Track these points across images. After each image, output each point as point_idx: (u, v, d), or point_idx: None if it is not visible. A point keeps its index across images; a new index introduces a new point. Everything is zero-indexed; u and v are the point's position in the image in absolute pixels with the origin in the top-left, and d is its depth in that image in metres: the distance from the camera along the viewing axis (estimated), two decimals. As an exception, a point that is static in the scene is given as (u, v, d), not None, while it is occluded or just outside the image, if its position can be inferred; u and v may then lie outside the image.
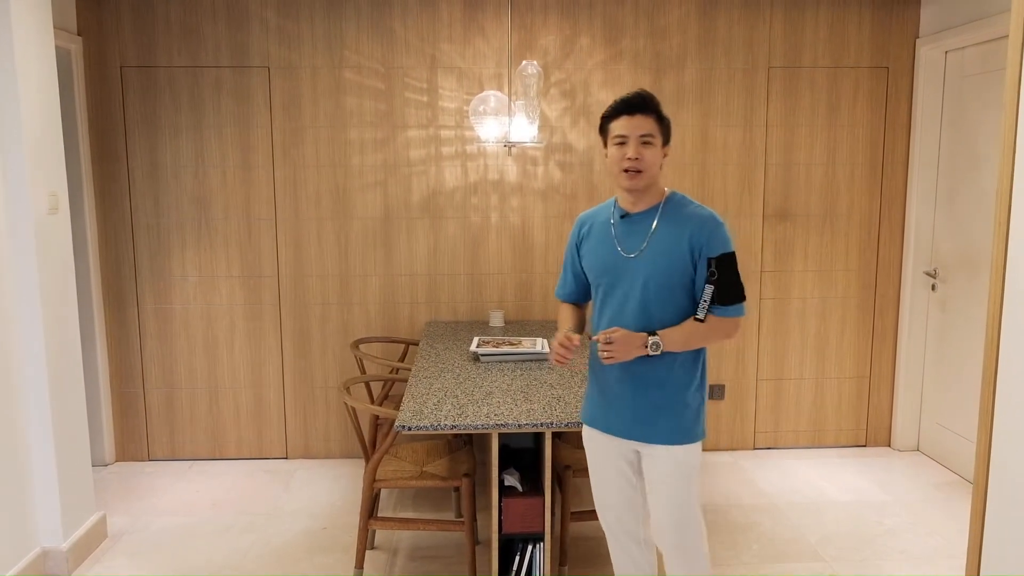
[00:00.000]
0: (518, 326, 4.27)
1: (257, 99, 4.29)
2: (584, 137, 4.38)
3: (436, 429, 2.65)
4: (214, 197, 4.34)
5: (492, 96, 3.93)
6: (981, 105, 4.07)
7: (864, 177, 4.49)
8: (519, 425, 2.67)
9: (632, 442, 2.35)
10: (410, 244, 4.43)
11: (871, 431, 4.70)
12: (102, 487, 4.11)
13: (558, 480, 3.15)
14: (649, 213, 2.31)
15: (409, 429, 2.65)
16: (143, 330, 4.41)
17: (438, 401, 2.91)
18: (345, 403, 3.09)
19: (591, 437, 2.46)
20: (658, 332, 2.23)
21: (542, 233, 4.45)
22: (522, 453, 3.20)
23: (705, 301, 2.23)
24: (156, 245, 4.35)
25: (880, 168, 4.49)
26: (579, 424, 2.65)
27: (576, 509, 3.09)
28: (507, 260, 4.46)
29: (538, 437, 3.00)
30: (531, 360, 3.49)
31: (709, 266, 2.21)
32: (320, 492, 4.09)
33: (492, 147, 4.35)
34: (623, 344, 2.22)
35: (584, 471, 3.17)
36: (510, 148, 4.23)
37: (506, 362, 3.47)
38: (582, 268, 2.46)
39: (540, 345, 3.61)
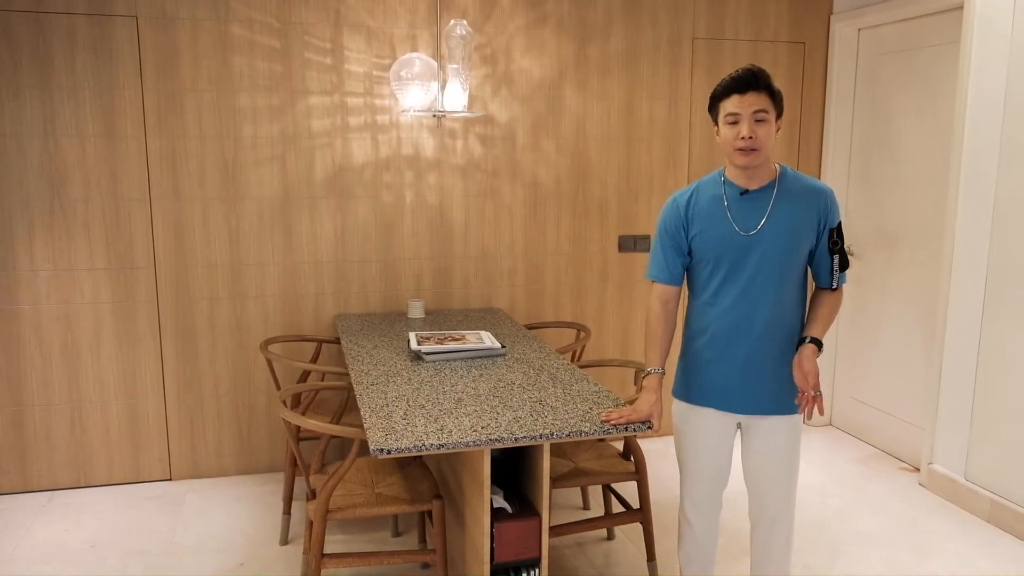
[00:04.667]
0: (440, 316, 3.86)
1: (123, 55, 3.56)
2: (507, 108, 4.01)
3: (421, 450, 2.23)
4: (70, 173, 3.58)
5: (417, 59, 3.47)
6: (897, 84, 4.11)
7: (781, 155, 4.44)
8: (516, 439, 2.30)
9: None
10: (313, 227, 3.88)
11: (786, 408, 4.71)
12: (-63, 535, 3.31)
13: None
14: (766, 189, 2.30)
15: (388, 453, 2.21)
16: (-20, 337, 3.59)
17: (404, 414, 2.47)
18: (285, 420, 2.58)
19: None
20: (812, 336, 2.30)
21: (462, 213, 4.05)
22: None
23: (836, 271, 2.33)
24: (-6, 232, 3.54)
25: (797, 145, 4.46)
26: (580, 433, 2.34)
27: (555, 523, 2.77)
28: (424, 244, 4.03)
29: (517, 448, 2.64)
30: (482, 357, 3.11)
31: (831, 236, 2.30)
32: (222, 519, 3.50)
33: (406, 118, 3.89)
34: (814, 371, 2.27)
35: (558, 480, 2.87)
36: (440, 119, 3.78)
37: (454, 360, 3.07)
38: (689, 246, 2.41)
39: (488, 340, 3.23)
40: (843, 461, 4.18)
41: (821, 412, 2.28)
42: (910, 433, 4.10)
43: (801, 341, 2.31)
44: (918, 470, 4.02)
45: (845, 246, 2.34)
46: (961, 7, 3.64)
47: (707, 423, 2.44)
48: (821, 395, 2.27)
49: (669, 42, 4.17)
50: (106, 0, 3.51)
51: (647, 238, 4.29)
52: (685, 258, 2.43)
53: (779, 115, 2.25)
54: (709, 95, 2.31)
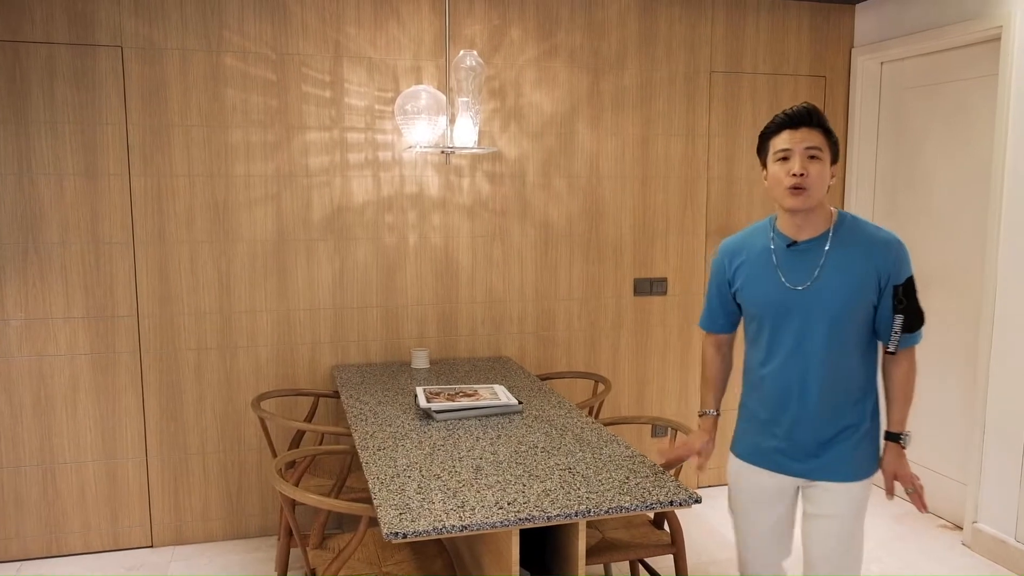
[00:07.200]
0: (446, 366, 3.59)
1: (106, 88, 3.31)
2: (516, 144, 3.78)
3: (441, 533, 1.95)
4: (46, 214, 3.31)
5: (424, 92, 3.24)
6: (923, 118, 3.91)
7: (802, 192, 4.22)
8: (548, 517, 2.02)
9: None
10: (310, 272, 3.61)
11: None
12: None
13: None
14: (819, 240, 2.10)
15: (404, 536, 1.92)
16: (-56, 393, 3.28)
17: (419, 487, 2.19)
18: (282, 493, 2.28)
19: None
20: (896, 425, 2.17)
21: (468, 255, 3.79)
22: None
23: (896, 332, 2.07)
24: (-38, 279, 3.25)
25: (818, 182, 4.25)
26: (620, 509, 2.07)
27: (584, 605, 2.47)
28: (428, 288, 3.76)
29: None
30: (497, 415, 2.84)
31: (896, 294, 2.05)
32: (208, 593, 3.18)
33: (409, 155, 3.65)
34: (905, 472, 2.17)
35: (587, 554, 2.58)
36: (447, 156, 3.54)
37: (468, 419, 2.80)
38: (735, 300, 2.29)
39: (503, 395, 2.96)
40: (878, 519, 3.90)
41: (924, 508, 2.15)
42: (949, 488, 3.84)
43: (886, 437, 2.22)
44: (960, 528, 3.75)
45: (919, 302, 2.10)
46: (996, 39, 3.46)
47: (760, 483, 2.26)
48: (919, 488, 2.17)
49: (686, 76, 3.97)
50: (89, 29, 3.27)
51: (664, 281, 4.04)
52: (733, 308, 2.33)
53: (834, 159, 2.09)
54: (759, 134, 2.17)
